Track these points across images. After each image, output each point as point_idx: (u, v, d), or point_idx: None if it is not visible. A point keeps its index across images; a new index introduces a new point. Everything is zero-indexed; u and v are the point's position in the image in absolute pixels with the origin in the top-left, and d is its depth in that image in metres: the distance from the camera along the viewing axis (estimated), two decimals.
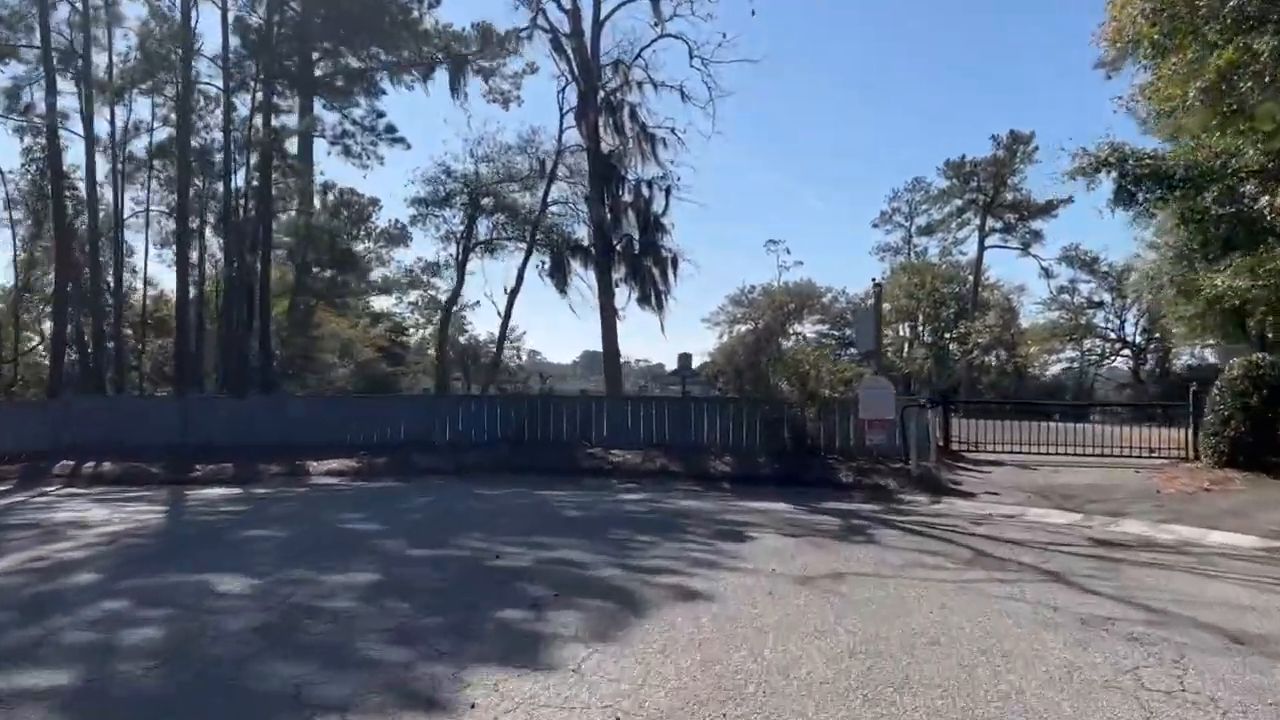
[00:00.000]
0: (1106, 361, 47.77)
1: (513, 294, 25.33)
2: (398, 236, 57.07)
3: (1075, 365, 48.98)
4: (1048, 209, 52.84)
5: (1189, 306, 21.91)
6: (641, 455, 19.35)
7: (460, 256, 26.17)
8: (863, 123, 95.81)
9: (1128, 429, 20.71)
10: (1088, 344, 47.72)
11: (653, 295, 21.73)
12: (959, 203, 56.48)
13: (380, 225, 57.18)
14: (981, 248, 55.75)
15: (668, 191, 22.75)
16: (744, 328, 67.38)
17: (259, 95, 26.86)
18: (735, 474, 17.74)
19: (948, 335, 58.25)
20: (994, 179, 53.37)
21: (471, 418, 21.73)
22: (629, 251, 21.88)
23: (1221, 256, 15.86)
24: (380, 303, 59.18)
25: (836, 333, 64.75)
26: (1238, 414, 14.45)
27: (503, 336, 28.18)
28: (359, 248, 61.63)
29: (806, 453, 18.03)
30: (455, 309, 66.82)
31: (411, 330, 65.70)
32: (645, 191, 22.73)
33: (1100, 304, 46.96)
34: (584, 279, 23.79)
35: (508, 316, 25.79)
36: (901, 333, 62.05)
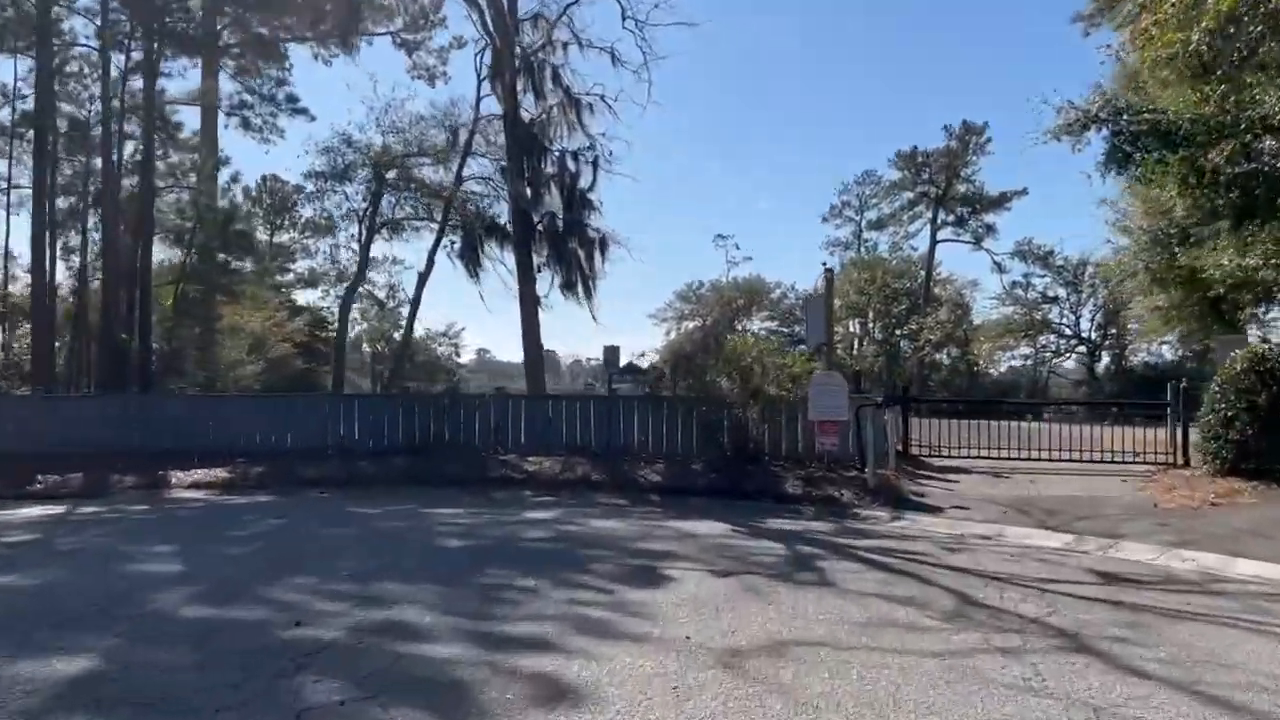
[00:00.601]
0: (1061, 358, 46.41)
1: (422, 279, 22.71)
2: (325, 227, 53.74)
3: (1029, 362, 47.59)
4: (1001, 201, 51.54)
5: (1163, 295, 20.13)
6: (561, 463, 16.87)
7: (363, 238, 23.39)
8: (812, 113, 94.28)
9: (1097, 429, 18.73)
10: (1042, 340, 46.32)
11: (579, 281, 19.17)
12: (910, 195, 54.90)
13: (306, 214, 53.76)
14: (933, 241, 54.33)
15: (595, 164, 20.16)
16: (692, 324, 65.32)
17: (134, 56, 23.78)
18: (667, 484, 15.36)
19: (899, 332, 56.76)
20: (946, 170, 51.86)
21: (371, 421, 19.02)
22: (551, 231, 19.27)
23: (1235, 228, 14.06)
24: (307, 296, 55.79)
25: (786, 329, 63.01)
26: (1242, 414, 12.43)
27: (410, 326, 25.44)
28: (283, 238, 58.30)
29: (749, 459, 15.69)
30: (391, 304, 63.52)
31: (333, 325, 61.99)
32: (570, 165, 20.11)
33: (1055, 299, 45.62)
34: (505, 263, 21.25)
35: (416, 304, 23.19)
36: (852, 329, 60.41)
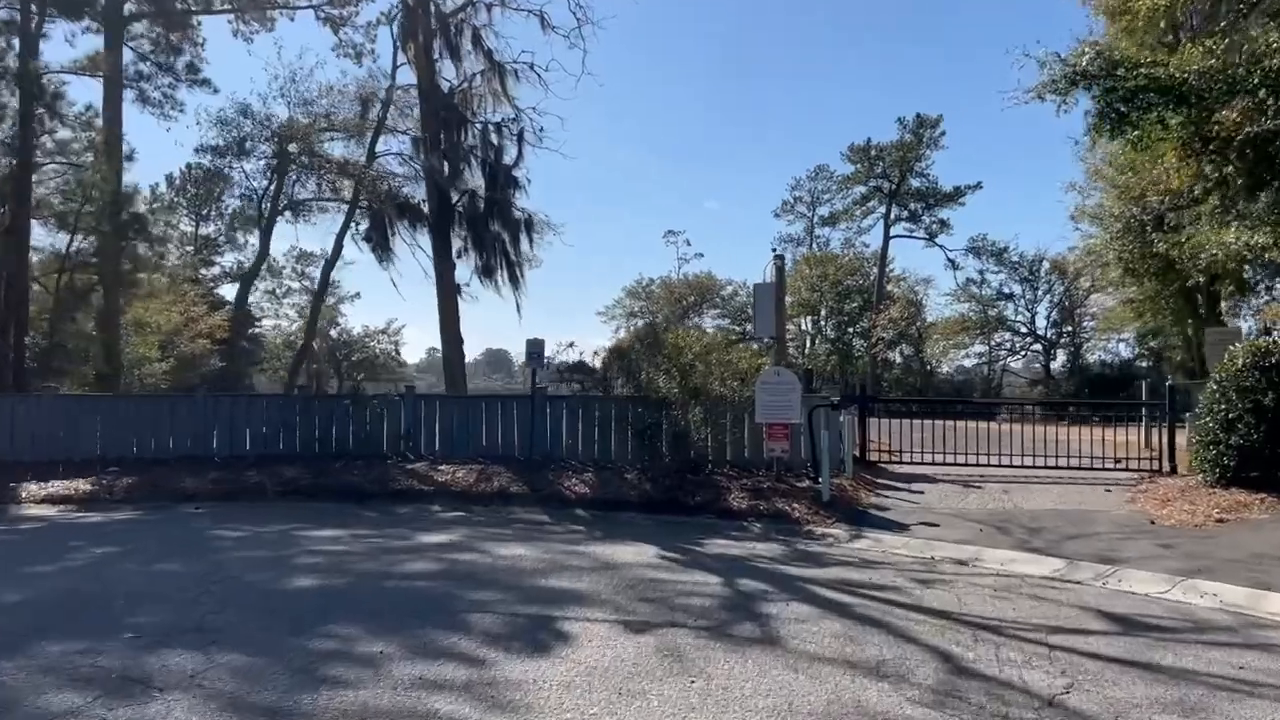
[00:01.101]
0: (1017, 356, 45.42)
1: (329, 264, 20.52)
2: (254, 219, 50.81)
3: (984, 360, 46.56)
4: (955, 196, 50.43)
5: (1135, 286, 18.77)
6: (478, 472, 14.86)
7: (264, 219, 21.00)
8: (766, 106, 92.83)
9: (1063, 431, 17.20)
10: (996, 338, 45.29)
11: (502, 266, 17.10)
12: (863, 190, 53.58)
13: (234, 204, 50.79)
14: (886, 237, 53.06)
15: (521, 137, 17.96)
16: (641, 322, 63.46)
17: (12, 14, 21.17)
18: (596, 497, 13.45)
19: (851, 330, 55.61)
20: (899, 164, 50.62)
21: (263, 425, 16.78)
22: (471, 211, 17.17)
23: (1249, 195, 12.61)
24: (234, 290, 52.76)
25: (738, 327, 61.53)
26: (1246, 416, 10.88)
27: (315, 316, 23.15)
28: (208, 229, 55.20)
29: (690, 467, 13.83)
30: (333, 296, 60.80)
31: (270, 320, 59.08)
32: (494, 138, 18.00)
33: (1010, 295, 44.59)
34: (423, 248, 18.99)
35: (321, 294, 20.86)
36: (804, 327, 59.16)
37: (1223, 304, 19.30)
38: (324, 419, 16.51)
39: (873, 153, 51.49)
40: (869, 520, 11.50)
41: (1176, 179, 11.97)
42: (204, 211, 53.16)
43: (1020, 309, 44.43)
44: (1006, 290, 44.85)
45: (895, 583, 8.21)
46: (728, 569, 8.76)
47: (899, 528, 10.97)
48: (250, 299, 56.83)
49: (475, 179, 17.84)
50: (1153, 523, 10.46)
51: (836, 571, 8.68)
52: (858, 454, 15.51)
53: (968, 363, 50.07)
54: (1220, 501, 10.65)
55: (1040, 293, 43.54)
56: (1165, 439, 13.78)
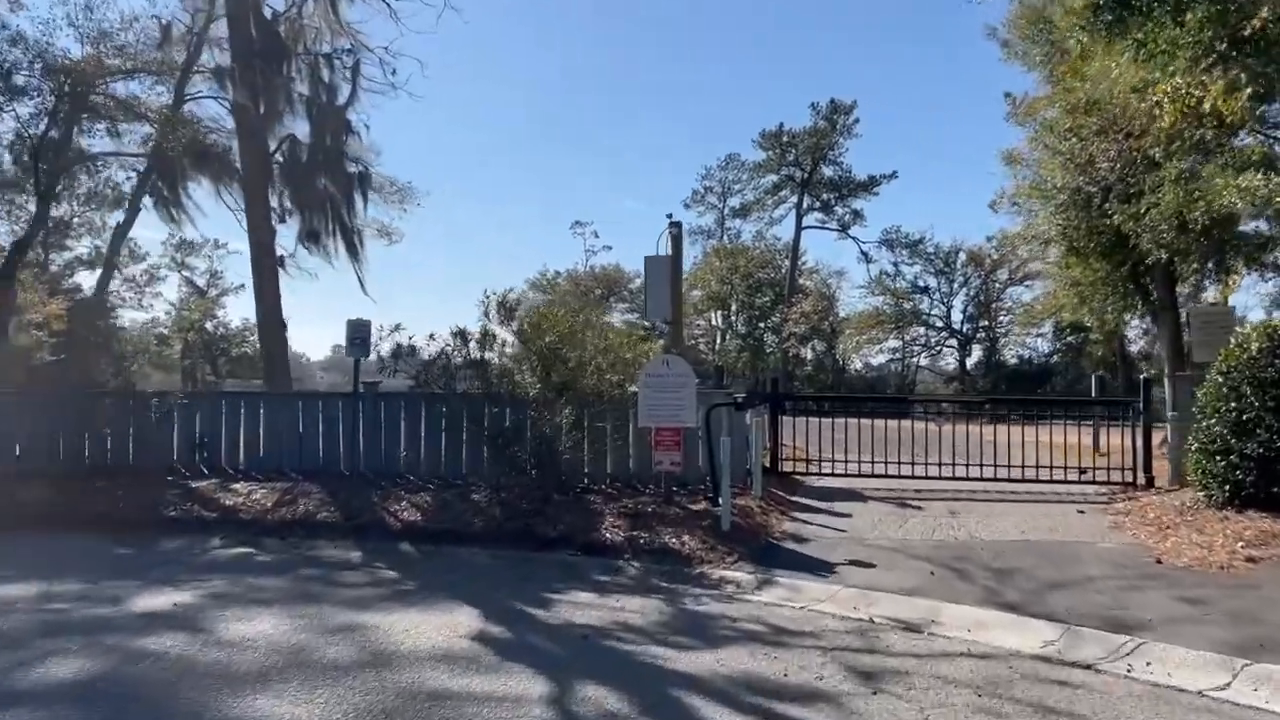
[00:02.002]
0: (933, 352, 43.76)
1: (121, 230, 16.64)
2: (116, 199, 45.46)
3: (898, 356, 44.72)
4: (869, 186, 48.62)
5: (1080, 268, 16.49)
6: (283, 492, 11.48)
7: (40, 178, 16.94)
8: (674, 92, 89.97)
9: (992, 430, 14.67)
10: (911, 334, 43.53)
11: (334, 232, 13.58)
12: (775, 178, 51.28)
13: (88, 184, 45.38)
14: (799, 229, 50.94)
15: (356, 70, 14.37)
16: (612, 338, 60.01)
17: None
18: (430, 525, 10.25)
19: (763, 325, 53.42)
20: (813, 152, 48.53)
21: (19, 429, 13.00)
22: (292, 162, 13.65)
23: None
24: (93, 279, 47.26)
25: (648, 323, 58.61)
26: (1268, 417, 8.33)
27: (102, 295, 19.11)
28: (58, 210, 49.37)
29: (557, 485, 10.72)
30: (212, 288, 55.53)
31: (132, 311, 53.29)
32: (325, 74, 14.41)
33: (925, 289, 42.84)
34: (233, 201, 15.20)
35: (109, 270, 17.00)
36: (715, 321, 56.74)
37: (1182, 284, 17.21)
38: (80, 423, 12.82)
39: (785, 139, 49.28)
40: (782, 557, 8.61)
41: (1170, 113, 9.45)
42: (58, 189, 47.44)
43: (936, 303, 42.78)
44: (921, 283, 43.13)
45: (821, 674, 5.31)
46: (572, 659, 5.70)
47: (822, 569, 8.10)
48: (114, 289, 51.43)
49: (300, 125, 14.43)
50: (1159, 561, 7.81)
51: (735, 658, 5.71)
52: (768, 464, 12.66)
53: (879, 359, 48.29)
54: (1240, 530, 8.07)
55: (956, 286, 41.92)
56: (1139, 444, 11.28)
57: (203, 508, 11.13)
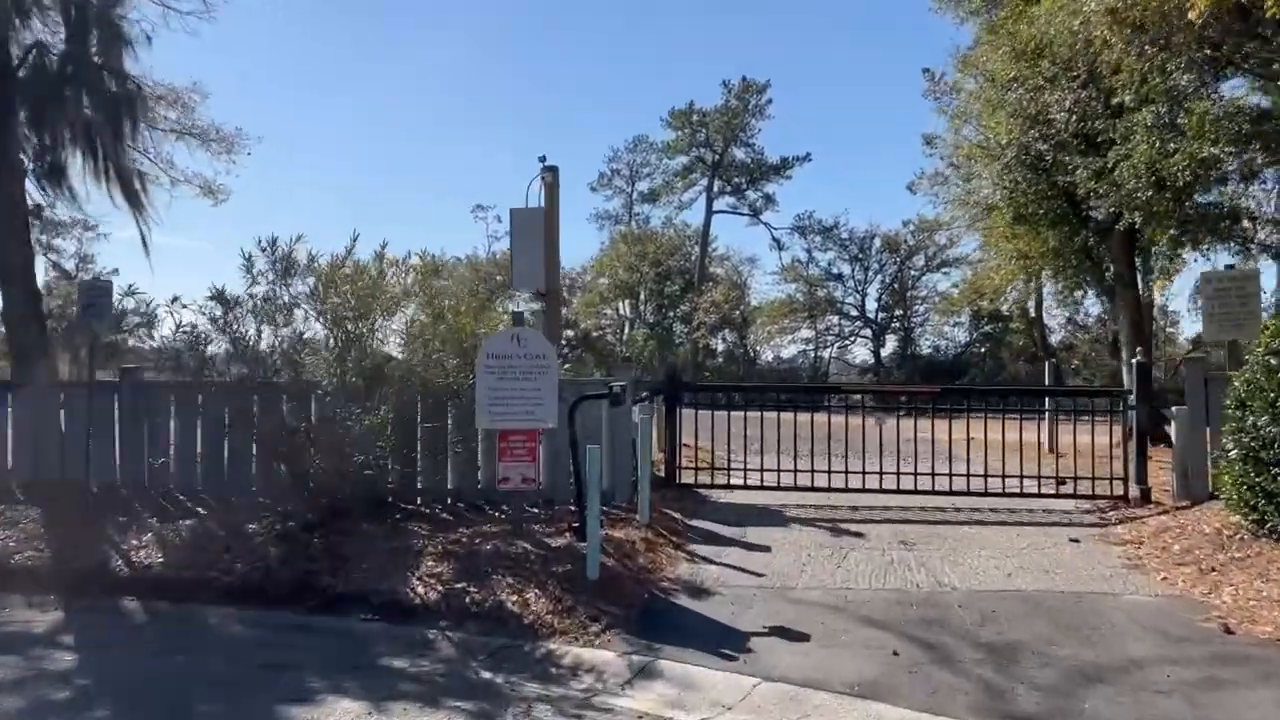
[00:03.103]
0: (847, 342, 41.73)
1: None
2: None
3: (811, 346, 42.61)
4: (782, 169, 46.39)
5: (1029, 238, 14.24)
6: None
7: None
8: (578, 67, 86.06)
9: (936, 425, 12.20)
10: (824, 323, 41.46)
11: (102, 169, 10.09)
12: (685, 160, 48.67)
13: None
14: (709, 213, 48.41)
15: None
16: (449, 303, 56.37)
17: None
18: (174, 571, 7.10)
19: (672, 314, 50.93)
20: (724, 132, 46.06)
21: None
22: (38, 75, 10.03)
23: None
24: None
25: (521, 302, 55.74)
26: None
27: None
28: None
29: (367, 508, 7.63)
30: None
31: None
32: None
33: (839, 276, 40.82)
34: None
35: None
36: (622, 311, 53.98)
37: (1150, 258, 15.04)
38: None
39: (694, 118, 46.71)
40: (673, 623, 5.78)
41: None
42: None
43: (850, 290, 40.79)
44: (835, 270, 41.11)
45: None
46: None
47: (731, 644, 5.31)
48: None
49: (51, 31, 10.77)
50: (1228, 630, 5.25)
51: None
52: (663, 473, 9.84)
53: (790, 350, 46.19)
54: None
55: (871, 273, 39.98)
56: (1133, 447, 8.81)
57: None
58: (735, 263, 49.54)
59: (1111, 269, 14.37)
